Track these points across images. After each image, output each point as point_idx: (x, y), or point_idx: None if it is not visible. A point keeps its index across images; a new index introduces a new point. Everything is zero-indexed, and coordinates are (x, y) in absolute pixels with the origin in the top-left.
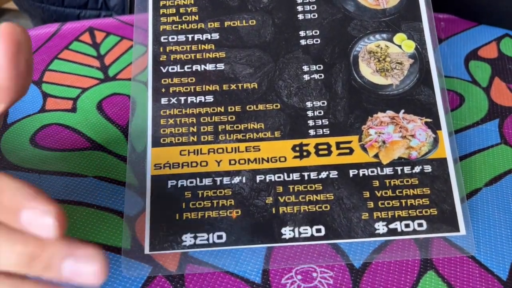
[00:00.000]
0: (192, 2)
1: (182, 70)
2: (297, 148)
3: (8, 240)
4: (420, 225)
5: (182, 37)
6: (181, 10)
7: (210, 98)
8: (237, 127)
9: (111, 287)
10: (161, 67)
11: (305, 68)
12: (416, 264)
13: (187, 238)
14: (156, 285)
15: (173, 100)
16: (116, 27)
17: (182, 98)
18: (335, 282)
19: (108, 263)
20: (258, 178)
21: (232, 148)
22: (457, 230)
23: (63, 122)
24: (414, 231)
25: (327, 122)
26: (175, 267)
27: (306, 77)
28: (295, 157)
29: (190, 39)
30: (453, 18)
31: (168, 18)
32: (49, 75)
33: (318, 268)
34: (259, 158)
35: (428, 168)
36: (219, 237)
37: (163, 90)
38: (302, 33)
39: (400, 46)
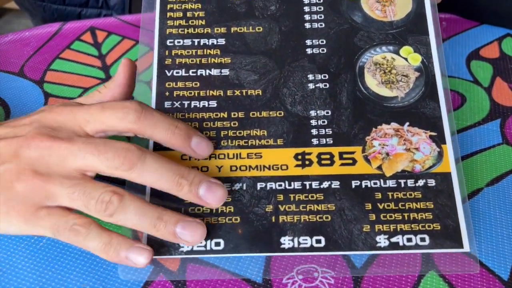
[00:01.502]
0: (200, 6)
1: (187, 74)
2: (300, 157)
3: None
4: (422, 239)
5: (188, 41)
6: (188, 14)
7: (213, 103)
8: (239, 133)
9: (113, 286)
10: (166, 71)
11: (310, 77)
12: (417, 264)
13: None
14: (157, 285)
15: (177, 104)
16: (118, 27)
17: (186, 103)
18: (336, 282)
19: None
20: (259, 185)
21: (233, 154)
22: (461, 246)
23: None
24: (417, 246)
25: (330, 132)
26: (176, 267)
27: (311, 86)
28: (297, 165)
29: (196, 43)
30: (455, 18)
31: (175, 21)
32: (51, 75)
33: (319, 268)
34: (260, 166)
35: (432, 182)
36: (217, 244)
37: (167, 93)
38: (308, 42)
39: (406, 59)
